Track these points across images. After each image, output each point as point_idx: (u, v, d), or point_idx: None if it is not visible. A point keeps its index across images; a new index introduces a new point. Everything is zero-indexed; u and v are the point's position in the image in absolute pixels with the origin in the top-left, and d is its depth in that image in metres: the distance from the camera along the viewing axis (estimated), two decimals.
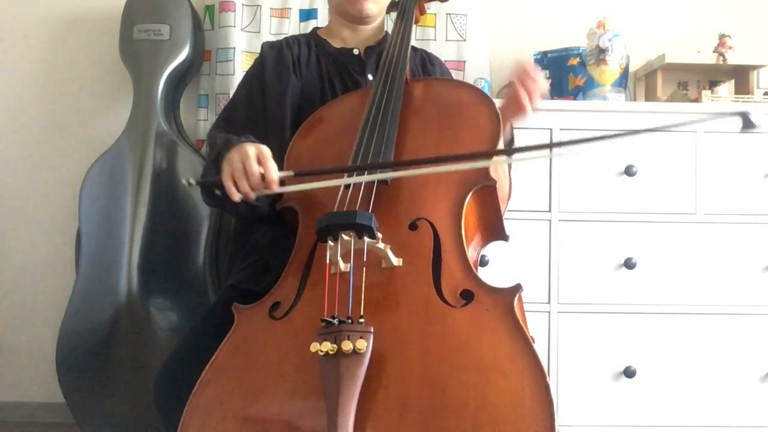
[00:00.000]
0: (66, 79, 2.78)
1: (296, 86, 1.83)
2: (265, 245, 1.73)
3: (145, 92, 2.54)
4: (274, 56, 1.88)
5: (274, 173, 1.42)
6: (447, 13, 2.72)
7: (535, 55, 2.73)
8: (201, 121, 2.69)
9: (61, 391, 2.44)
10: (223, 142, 1.56)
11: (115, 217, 2.48)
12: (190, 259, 2.49)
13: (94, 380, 2.44)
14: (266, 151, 1.45)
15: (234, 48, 2.65)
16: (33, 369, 2.73)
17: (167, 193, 2.51)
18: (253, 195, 1.42)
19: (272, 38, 2.56)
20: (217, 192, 1.46)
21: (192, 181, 1.48)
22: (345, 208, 1.38)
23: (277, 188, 1.43)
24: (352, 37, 1.95)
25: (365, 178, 1.41)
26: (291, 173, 1.45)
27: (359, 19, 1.91)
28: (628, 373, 2.28)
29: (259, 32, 2.67)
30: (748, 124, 1.24)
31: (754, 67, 2.63)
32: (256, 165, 1.41)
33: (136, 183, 2.49)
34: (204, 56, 2.70)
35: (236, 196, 1.42)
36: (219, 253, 2.54)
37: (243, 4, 2.69)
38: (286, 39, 1.96)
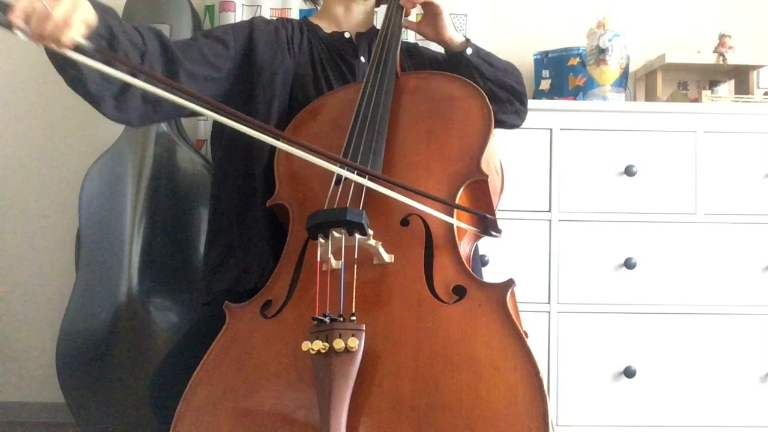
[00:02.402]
0: None
1: (290, 67, 1.80)
2: (241, 246, 1.71)
3: None
4: (271, 32, 1.82)
5: (74, 29, 1.20)
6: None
7: (535, 55, 2.74)
8: (201, 121, 2.69)
9: (61, 391, 2.43)
10: None
11: (115, 217, 2.47)
12: (190, 259, 2.49)
13: (94, 380, 2.43)
14: (84, 8, 1.24)
15: None
16: (33, 369, 2.73)
17: (167, 193, 2.51)
18: (38, 40, 1.19)
19: None
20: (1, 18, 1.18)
21: None
22: (335, 205, 1.37)
23: (68, 50, 1.21)
24: (345, 18, 1.93)
25: (349, 175, 1.38)
26: (90, 45, 1.23)
27: None
28: (628, 373, 2.28)
29: None
30: None
31: (754, 67, 2.63)
32: (61, 9, 1.19)
33: (136, 183, 2.49)
34: None
35: (17, 21, 1.16)
36: None
37: (243, 4, 2.69)
38: (281, 19, 1.92)
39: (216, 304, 1.58)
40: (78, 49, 1.23)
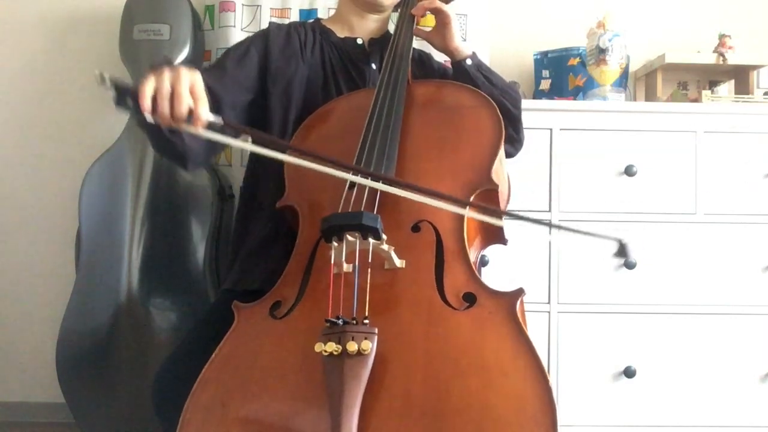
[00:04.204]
0: (66, 79, 2.78)
1: (304, 73, 1.82)
2: (253, 245, 1.73)
3: None
4: (283, 39, 1.85)
5: (204, 109, 1.26)
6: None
7: (535, 55, 2.74)
8: None
9: (61, 391, 2.43)
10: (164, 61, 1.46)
11: (115, 217, 2.47)
12: (190, 259, 2.48)
13: (94, 380, 2.43)
14: (201, 84, 1.28)
15: None
16: (33, 369, 2.73)
17: (167, 193, 2.50)
18: (168, 122, 1.25)
19: None
20: (129, 102, 1.23)
21: (105, 75, 1.20)
22: (350, 209, 1.38)
23: (201, 128, 1.25)
24: (359, 25, 1.95)
25: (360, 180, 1.39)
26: (220, 119, 1.27)
27: (373, 6, 1.92)
28: (628, 373, 2.28)
29: None
30: (622, 252, 1.22)
31: (754, 67, 2.64)
32: (187, 92, 1.24)
33: (136, 183, 2.49)
34: (204, 56, 2.69)
35: (148, 115, 1.23)
36: (219, 253, 2.54)
37: (243, 4, 2.68)
38: (293, 23, 1.95)
39: (221, 304, 1.58)
40: (209, 126, 1.27)
